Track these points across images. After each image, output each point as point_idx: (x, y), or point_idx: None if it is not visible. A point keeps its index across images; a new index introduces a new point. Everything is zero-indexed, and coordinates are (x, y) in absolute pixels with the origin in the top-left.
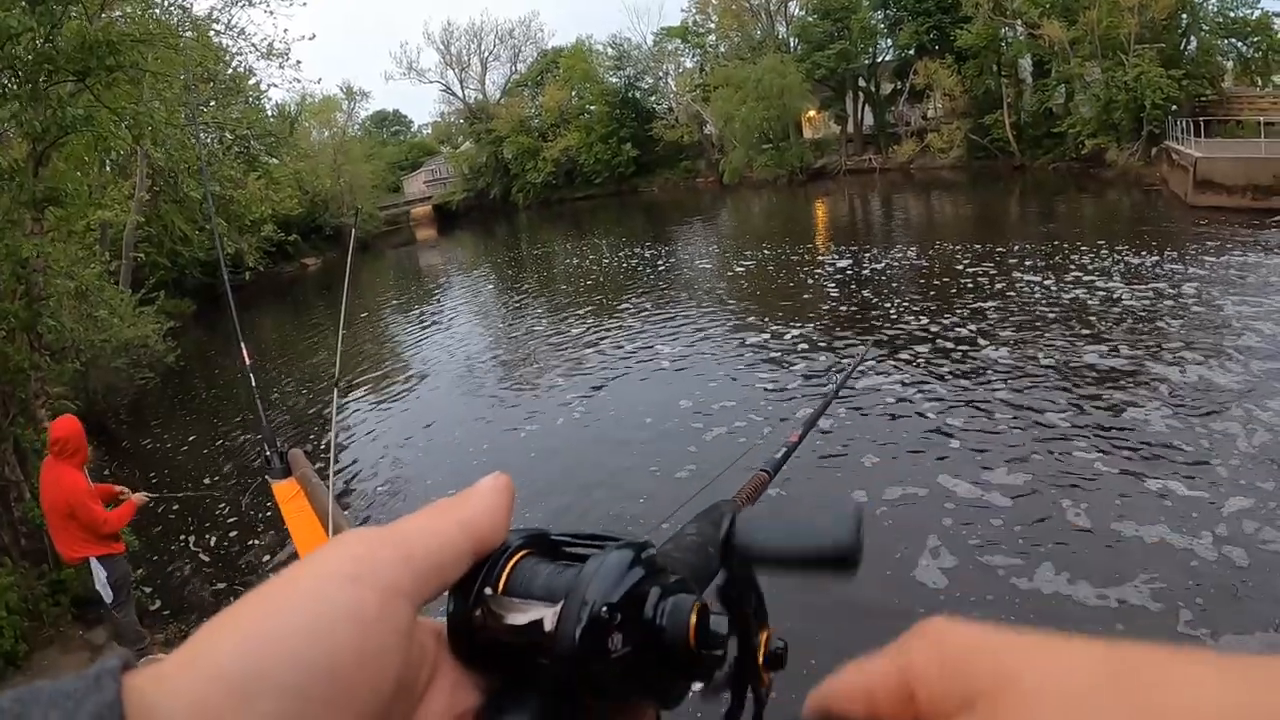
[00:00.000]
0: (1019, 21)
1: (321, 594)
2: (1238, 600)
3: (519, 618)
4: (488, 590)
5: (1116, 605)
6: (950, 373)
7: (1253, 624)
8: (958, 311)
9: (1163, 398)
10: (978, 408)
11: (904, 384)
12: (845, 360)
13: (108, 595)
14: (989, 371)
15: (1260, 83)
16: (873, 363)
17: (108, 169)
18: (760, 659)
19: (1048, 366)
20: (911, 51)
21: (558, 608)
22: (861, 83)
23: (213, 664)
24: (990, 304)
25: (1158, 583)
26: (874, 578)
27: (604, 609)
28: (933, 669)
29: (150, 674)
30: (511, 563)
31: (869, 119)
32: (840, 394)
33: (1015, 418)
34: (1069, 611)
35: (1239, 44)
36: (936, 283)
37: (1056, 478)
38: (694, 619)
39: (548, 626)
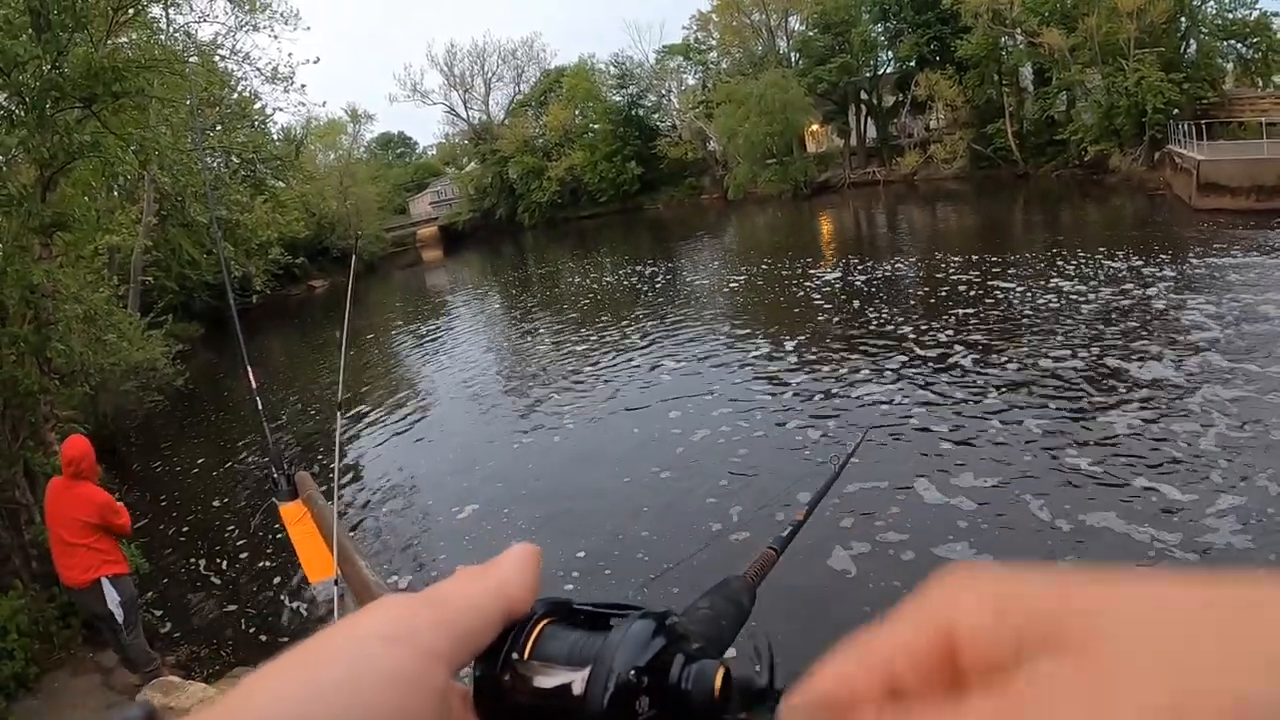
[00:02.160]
0: (1018, 30)
1: (362, 654)
2: None
3: (547, 681)
4: (515, 655)
5: None
6: (961, 382)
7: None
8: (965, 322)
9: (1178, 401)
10: (988, 416)
11: (919, 397)
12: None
13: (120, 616)
14: (998, 381)
15: (1261, 83)
16: (891, 378)
17: (115, 194)
18: None
19: (1060, 374)
20: (912, 63)
21: (586, 672)
22: (863, 96)
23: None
24: (997, 313)
25: None
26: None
27: (632, 673)
28: (984, 615)
29: None
30: (538, 629)
31: (872, 132)
32: (841, 473)
33: (1021, 425)
34: None
35: (1238, 45)
36: (942, 294)
37: (1082, 486)
38: (719, 683)
39: (576, 690)
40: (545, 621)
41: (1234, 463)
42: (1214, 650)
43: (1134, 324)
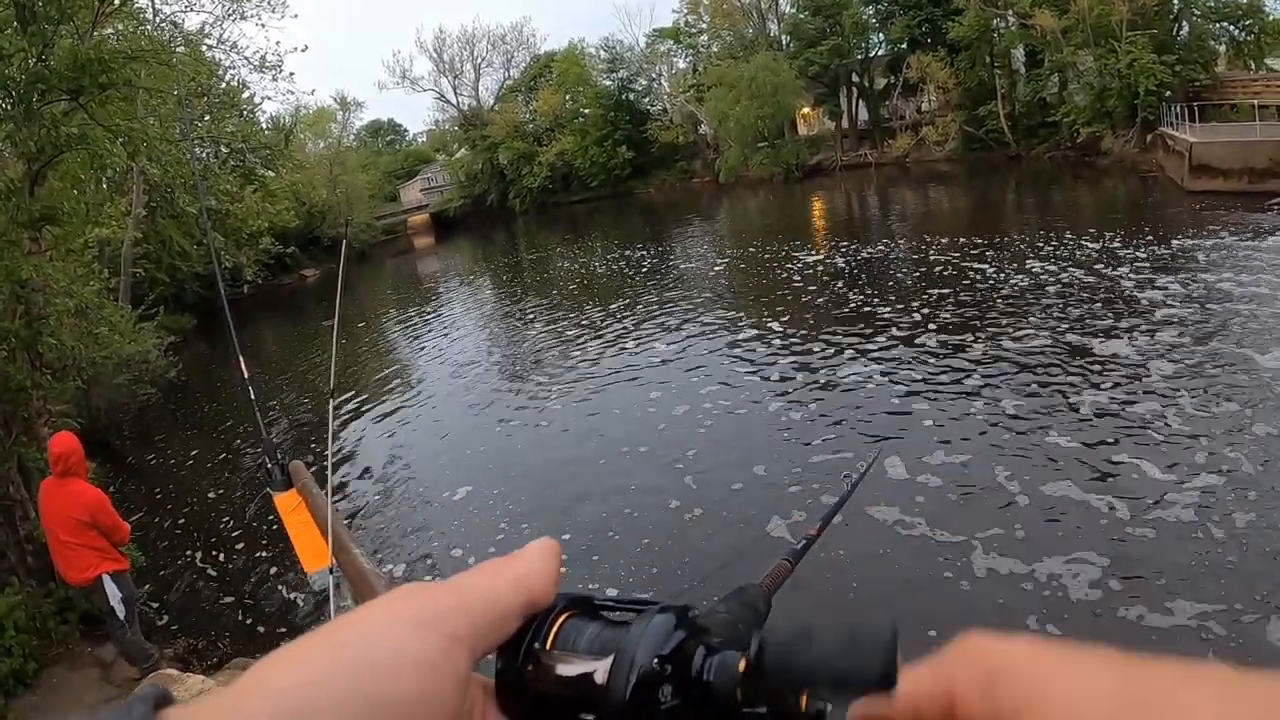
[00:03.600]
0: (1010, 12)
1: (387, 636)
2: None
3: (570, 670)
4: (536, 645)
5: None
6: (955, 361)
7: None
8: (956, 301)
9: (1167, 380)
10: (971, 394)
11: (910, 376)
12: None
13: (121, 612)
14: (975, 360)
15: (1253, 66)
16: (880, 355)
17: (104, 186)
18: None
19: (1052, 353)
20: (904, 45)
21: (608, 661)
22: (855, 78)
23: (269, 698)
24: (982, 293)
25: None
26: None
27: (655, 661)
28: (973, 689)
29: (206, 709)
30: (559, 622)
31: (863, 114)
32: (855, 491)
33: (999, 404)
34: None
35: (1231, 28)
36: (930, 275)
37: (1076, 461)
38: (740, 674)
39: (599, 679)
40: (566, 614)
41: (1201, 442)
42: None
43: (1121, 303)
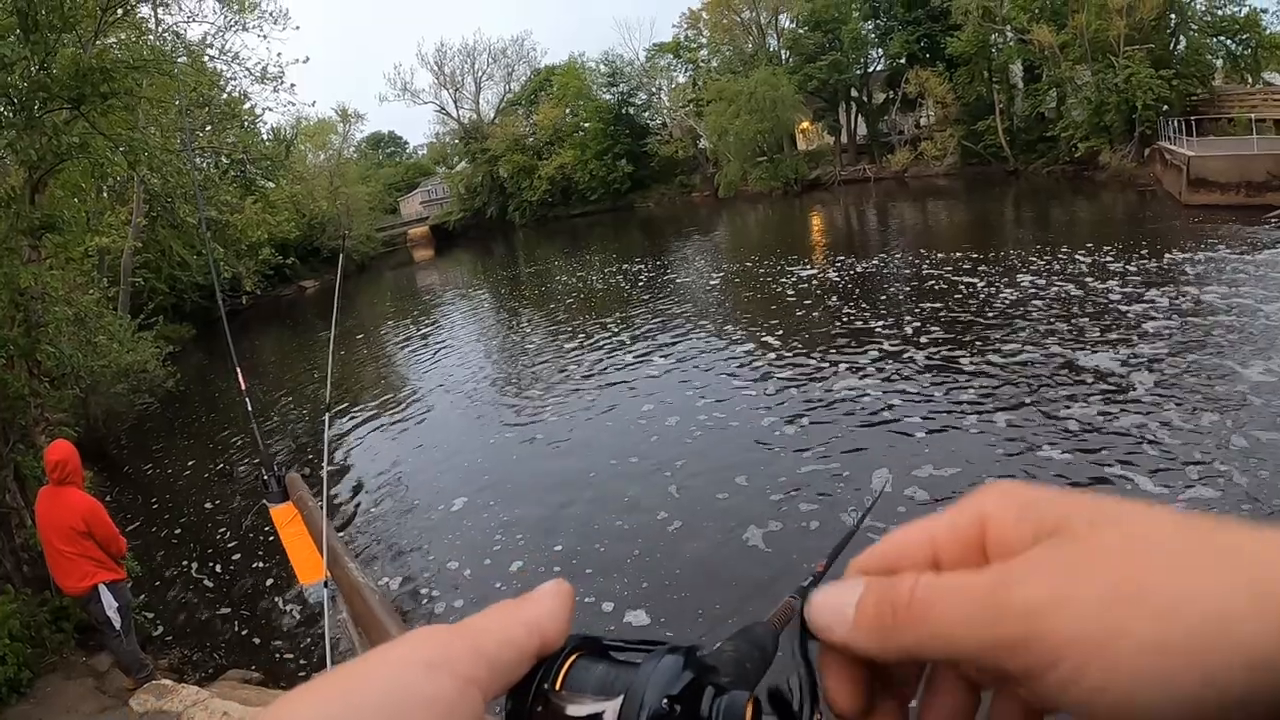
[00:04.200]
0: (1009, 27)
1: (402, 677)
2: None
3: (579, 710)
4: (546, 685)
5: None
6: (947, 374)
7: None
8: (949, 315)
9: (1155, 393)
10: (965, 408)
11: (901, 389)
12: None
13: (117, 622)
14: (976, 373)
15: (1251, 79)
16: (872, 368)
17: (105, 195)
18: None
19: (1042, 367)
20: (903, 60)
21: (617, 702)
22: (854, 93)
23: None
24: (991, 310)
25: None
26: None
27: (664, 702)
28: (1010, 511)
29: None
30: (569, 662)
31: (862, 129)
32: (861, 526)
33: (993, 417)
34: None
35: (1228, 42)
36: (926, 289)
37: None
38: (749, 714)
39: (609, 719)
40: (576, 655)
41: (1191, 454)
42: (1168, 557)
43: (1119, 317)
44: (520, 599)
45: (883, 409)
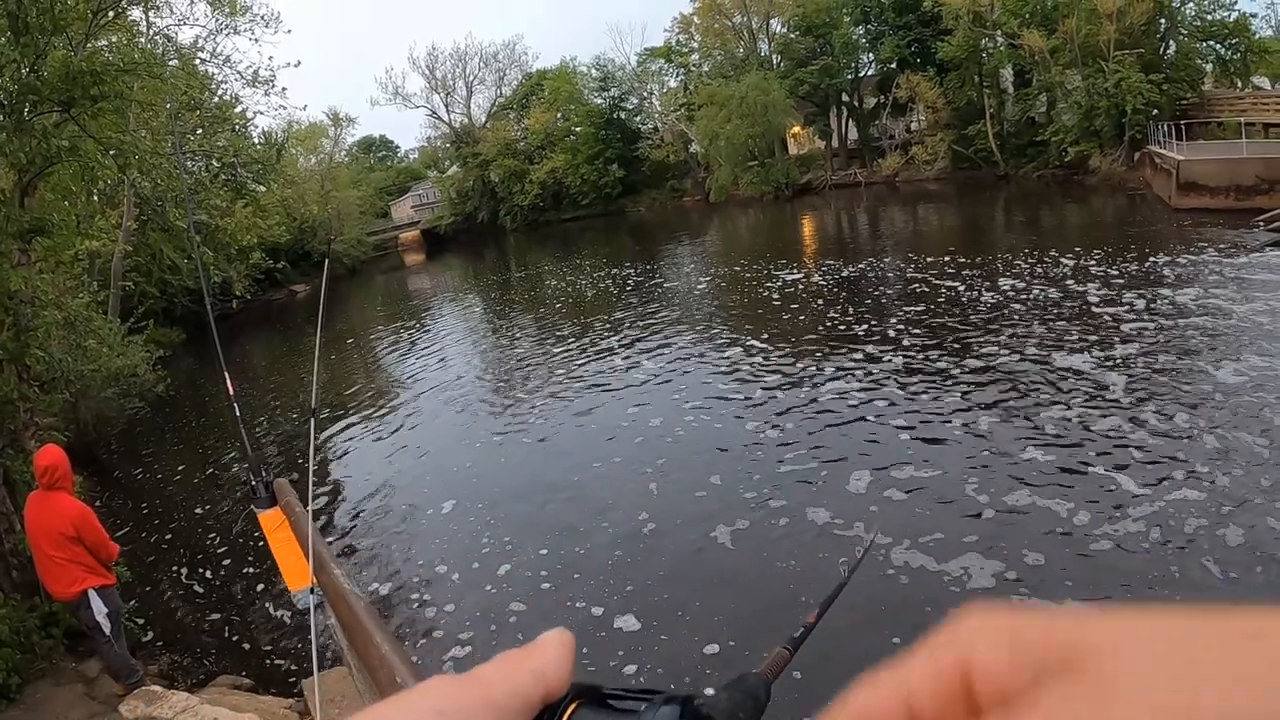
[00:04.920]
0: (999, 32)
1: None
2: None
3: None
4: None
5: None
6: (928, 376)
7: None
8: (932, 318)
9: (1151, 397)
10: (951, 413)
11: (882, 391)
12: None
13: (106, 628)
14: (959, 377)
15: (1240, 84)
16: (862, 372)
17: (95, 199)
18: None
19: (1025, 369)
20: (893, 65)
21: None
22: (845, 98)
23: None
24: (974, 313)
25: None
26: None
27: None
28: (1001, 651)
29: None
30: (569, 711)
31: (853, 133)
32: (852, 578)
33: (976, 421)
34: None
35: (1218, 46)
36: (913, 292)
37: (1065, 481)
38: None
39: None
40: (576, 703)
41: (1170, 455)
42: (1213, 674)
43: (1103, 322)
44: (526, 648)
45: (865, 411)
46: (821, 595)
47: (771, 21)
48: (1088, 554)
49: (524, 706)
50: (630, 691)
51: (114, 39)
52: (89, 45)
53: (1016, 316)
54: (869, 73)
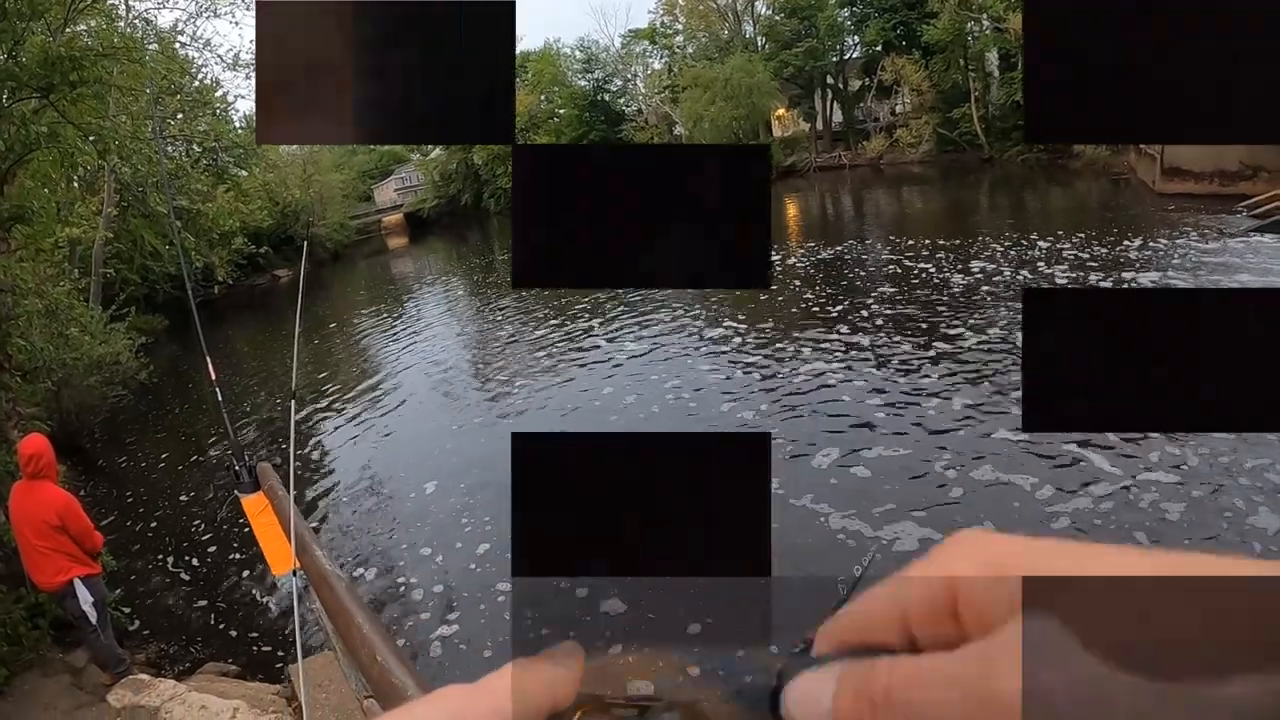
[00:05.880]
0: (985, 16)
1: None
2: None
3: None
4: None
5: None
6: (904, 356)
7: None
8: (915, 301)
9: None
10: (921, 395)
11: (856, 371)
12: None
13: (93, 617)
14: (949, 358)
15: None
16: (839, 352)
17: (75, 185)
18: None
19: (1006, 351)
20: (879, 48)
21: None
22: (830, 80)
23: None
24: (945, 294)
25: None
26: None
27: None
28: (979, 572)
29: None
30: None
31: (838, 116)
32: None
33: (950, 403)
34: None
35: None
36: (894, 275)
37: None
38: None
39: None
40: (580, 712)
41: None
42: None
43: None
44: (536, 658)
45: (839, 390)
46: (821, 597)
47: (756, 3)
48: (1054, 530)
49: (533, 717)
50: (633, 699)
51: (93, 23)
52: (68, 30)
53: (993, 298)
54: (854, 55)
